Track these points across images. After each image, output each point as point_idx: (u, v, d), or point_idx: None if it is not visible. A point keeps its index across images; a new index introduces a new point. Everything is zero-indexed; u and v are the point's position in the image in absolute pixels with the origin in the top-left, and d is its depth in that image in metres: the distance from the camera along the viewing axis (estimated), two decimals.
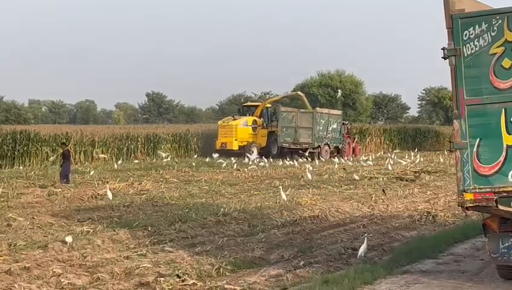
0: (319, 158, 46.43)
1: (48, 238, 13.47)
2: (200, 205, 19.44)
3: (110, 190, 22.01)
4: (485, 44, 9.42)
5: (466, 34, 9.48)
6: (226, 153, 46.33)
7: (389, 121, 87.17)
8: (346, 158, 46.82)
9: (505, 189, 9.27)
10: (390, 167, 34.63)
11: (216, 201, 20.51)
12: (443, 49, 9.58)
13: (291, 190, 22.96)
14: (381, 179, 28.09)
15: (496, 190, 9.32)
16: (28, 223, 15.94)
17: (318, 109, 52.72)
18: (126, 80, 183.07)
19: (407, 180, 27.65)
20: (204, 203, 20.02)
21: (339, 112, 56.04)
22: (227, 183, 27.36)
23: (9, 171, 35.50)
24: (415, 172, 30.80)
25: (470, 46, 9.48)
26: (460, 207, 9.91)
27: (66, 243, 12.70)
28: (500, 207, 9.31)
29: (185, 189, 24.75)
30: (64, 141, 36.94)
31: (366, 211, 18.48)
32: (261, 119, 50.59)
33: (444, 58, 9.57)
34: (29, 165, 39.00)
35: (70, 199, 21.48)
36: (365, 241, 12.15)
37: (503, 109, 9.31)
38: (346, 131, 53.29)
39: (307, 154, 46.35)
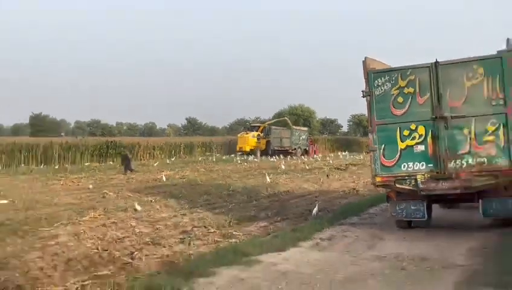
0: (296, 155, 48.05)
1: (127, 205, 13.42)
2: (218, 184, 19.40)
3: (164, 175, 22.05)
4: (387, 88, 9.49)
5: (376, 82, 9.54)
6: (242, 153, 47.06)
7: (330, 135, 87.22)
8: (310, 156, 47.45)
9: (400, 174, 9.35)
10: (331, 161, 34.72)
11: (228, 182, 20.48)
12: (362, 91, 9.63)
13: (272, 175, 22.92)
14: (326, 169, 28.08)
15: (394, 175, 9.39)
16: (115, 196, 15.91)
17: (294, 126, 54.98)
18: (175, 108, 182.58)
19: (341, 170, 27.62)
20: (221, 183, 19.97)
21: (306, 129, 58.90)
22: (234, 171, 27.32)
23: (104, 165, 35.48)
24: (346, 165, 30.78)
25: (378, 89, 9.54)
26: (373, 185, 9.98)
27: (136, 209, 12.63)
28: (397, 185, 9.39)
29: (209, 175, 24.75)
30: (124, 152, 37.18)
31: (316, 187, 18.44)
32: (262, 133, 50.61)
33: (363, 96, 9.62)
34: (115, 161, 39.08)
35: (141, 181, 21.50)
36: (316, 206, 12.15)
37: (398, 127, 9.40)
38: (310, 140, 54.52)
39: (289, 157, 46.19)
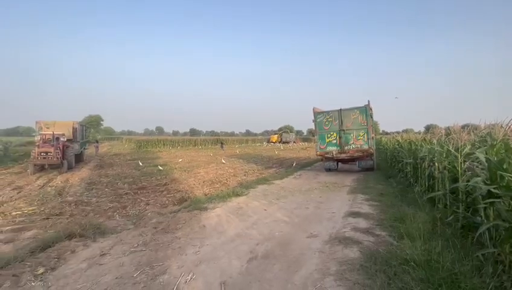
0: (289, 143, 45.08)
1: (226, 161, 13.13)
2: (257, 154, 18.67)
3: (237, 151, 21.02)
4: (323, 121, 9.22)
5: (318, 117, 9.35)
6: (272, 142, 44.92)
7: (299, 135, 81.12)
8: (297, 144, 44.69)
9: (326, 152, 9.07)
10: (299, 146, 32.86)
11: (260, 153, 19.75)
12: (312, 120, 9.37)
13: (278, 151, 22.21)
14: (299, 148, 26.53)
15: (324, 152, 9.13)
16: (220, 158, 15.37)
17: (290, 132, 52.66)
18: (209, 119, 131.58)
19: (304, 149, 25.34)
20: (258, 153, 19.23)
21: (294, 133, 55.50)
22: (263, 149, 26.24)
23: (218, 148, 32.63)
24: (306, 147, 28.20)
25: (319, 119, 9.28)
26: (316, 155, 9.64)
27: (223, 162, 11.55)
28: (326, 156, 9.15)
29: (254, 151, 23.26)
30: (222, 141, 31.10)
31: (295, 157, 17.46)
32: (279, 135, 48.46)
33: (313, 121, 9.40)
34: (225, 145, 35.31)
35: (229, 153, 19.98)
36: (295, 163, 11.85)
37: (326, 134, 9.15)
38: (296, 138, 51.71)
39: (290, 144, 44.34)
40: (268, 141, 48.80)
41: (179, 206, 5.20)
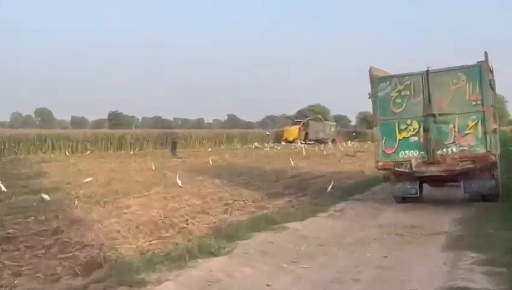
0: (326, 143, 48.14)
1: (183, 181, 13.55)
2: (253, 166, 19.51)
3: (211, 160, 22.22)
4: (388, 91, 9.41)
5: (380, 86, 9.47)
6: (286, 142, 48.23)
7: (342, 128, 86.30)
8: (338, 145, 46.85)
9: (398, 160, 9.26)
10: (342, 149, 34.39)
11: (260, 164, 20.56)
12: (368, 93, 9.57)
13: (295, 159, 22.88)
14: (339, 154, 27.86)
15: (394, 161, 9.32)
16: (172, 174, 16.11)
17: (326, 121, 57.33)
18: (218, 104, 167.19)
19: (351, 156, 27.33)
20: (254, 165, 20.09)
21: (334, 123, 61.29)
22: (265, 156, 27.36)
23: (164, 151, 35.80)
24: (355, 151, 30.45)
25: (381, 92, 9.47)
26: (376, 169, 9.92)
27: (180, 186, 12.48)
28: (396, 169, 9.36)
29: (245, 158, 24.87)
30: (174, 139, 35.52)
31: (331, 170, 18.33)
32: (302, 127, 52.10)
33: (369, 98, 9.57)
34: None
35: (193, 164, 21.72)
36: (331, 184, 12.12)
37: (396, 122, 9.33)
38: (337, 132, 56.13)
39: (322, 145, 46.63)
40: (280, 140, 51.14)
41: (85, 278, 5.03)
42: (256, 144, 47.51)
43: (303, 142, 47.98)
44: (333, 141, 52.64)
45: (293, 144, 46.28)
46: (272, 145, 45.04)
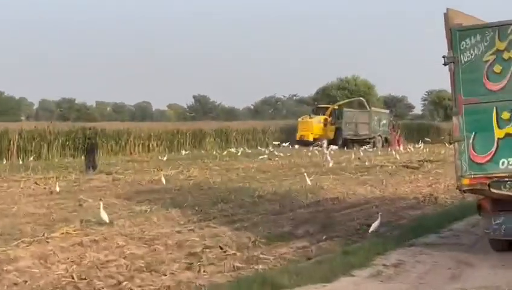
0: (374, 146, 50.28)
1: (113, 216, 13.52)
2: (238, 188, 19.52)
3: (163, 176, 22.20)
4: (479, 53, 9.37)
5: (463, 44, 9.42)
6: (304, 143, 50.59)
7: (397, 119, 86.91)
8: (392, 148, 47.77)
9: (497, 175, 9.24)
10: (398, 157, 34.51)
11: (252, 185, 20.57)
12: (443, 57, 9.53)
13: (314, 176, 22.87)
14: (390, 167, 27.94)
15: (489, 176, 9.29)
16: (96, 203, 16.08)
17: (373, 108, 58.26)
18: (177, 83, 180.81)
19: (412, 168, 27.45)
20: (242, 186, 20.10)
21: (387, 111, 62.08)
22: (260, 170, 27.40)
23: (80, 160, 35.75)
24: (419, 161, 30.61)
25: (466, 54, 9.42)
26: (458, 190, 9.90)
27: (108, 222, 12.61)
28: (493, 190, 9.29)
29: (225, 175, 24.89)
30: (91, 140, 32.70)
31: (378, 193, 18.35)
32: (330, 118, 54.23)
33: (444, 64, 9.53)
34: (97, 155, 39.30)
35: (131, 184, 21.76)
36: (379, 219, 12.08)
37: (494, 108, 9.29)
38: (392, 126, 56.12)
39: (367, 147, 48.73)
40: (290, 139, 53.27)
41: None
42: (245, 148, 47.52)
43: (328, 144, 48.75)
44: (385, 141, 53.90)
45: (314, 146, 47.24)
46: (273, 149, 45.03)
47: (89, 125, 46.67)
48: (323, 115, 55.08)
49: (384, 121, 55.82)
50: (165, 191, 19.01)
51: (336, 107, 57.13)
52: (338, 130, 53.57)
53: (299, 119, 56.56)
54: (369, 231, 11.77)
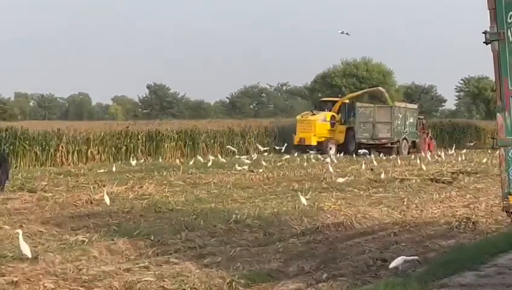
0: (397, 153, 50.56)
1: (38, 248, 13.44)
2: (209, 210, 19.48)
3: (107, 194, 22.04)
4: None
5: (511, 16, 9.47)
6: (304, 148, 51.08)
7: (423, 115, 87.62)
8: (423, 153, 49.51)
9: None
10: (424, 167, 34.62)
11: (227, 206, 20.59)
12: (485, 33, 9.56)
13: (311, 193, 22.94)
14: (414, 180, 28.04)
15: None
16: (15, 232, 15.92)
17: (397, 103, 58.20)
18: (124, 70, 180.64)
19: (443, 182, 27.59)
20: (214, 208, 20.09)
21: (415, 106, 61.75)
22: (239, 186, 27.43)
23: None
24: (453, 173, 30.75)
25: None
26: (505, 212, 9.94)
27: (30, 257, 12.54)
28: None
29: (191, 193, 24.82)
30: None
31: (397, 217, 18.45)
32: (339, 115, 54.98)
33: (486, 43, 9.55)
34: (16, 166, 38.90)
35: (63, 205, 21.53)
36: (402, 261, 12.10)
37: None
38: (421, 126, 57.56)
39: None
40: (288, 142, 53.58)
41: None
42: (218, 155, 47.42)
43: (336, 149, 50.16)
44: (412, 145, 54.86)
45: (316, 151, 48.53)
46: (255, 156, 45.09)
47: (4, 125, 46.25)
48: (330, 111, 55.55)
49: (411, 120, 56.30)
50: (109, 215, 18.96)
51: (347, 100, 57.74)
52: (349, 131, 54.32)
53: (298, 117, 56.99)
54: (390, 266, 11.85)
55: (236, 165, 37.39)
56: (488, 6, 9.54)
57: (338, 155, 46.96)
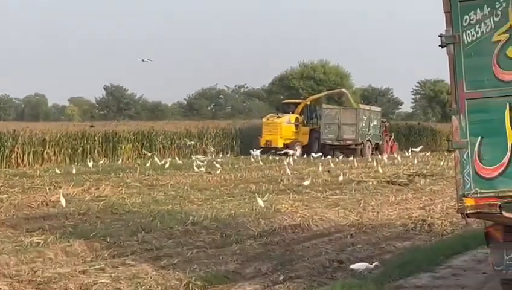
0: (362, 155, 51.78)
1: None
2: (166, 212, 19.42)
3: (63, 195, 21.89)
4: (488, 30, 9.44)
5: (466, 20, 9.50)
6: (270, 149, 51.37)
7: (386, 118, 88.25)
8: (384, 155, 50.21)
9: (510, 193, 9.28)
10: (380, 170, 34.80)
11: (184, 208, 20.55)
12: (440, 36, 9.60)
13: (269, 195, 22.96)
14: (371, 182, 28.17)
15: (500, 195, 9.32)
16: None
17: (361, 105, 59.95)
18: (81, 72, 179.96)
19: (399, 185, 27.75)
20: (171, 210, 20.02)
21: (379, 109, 63.12)
22: (196, 188, 27.42)
23: None
24: (409, 175, 30.89)
25: (471, 32, 9.50)
26: (459, 214, 9.94)
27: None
28: (505, 214, 9.32)
29: (148, 194, 24.75)
30: None
31: (353, 219, 18.54)
32: (302, 116, 55.60)
33: (442, 46, 9.59)
34: None
35: (18, 206, 21.35)
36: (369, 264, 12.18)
37: (507, 104, 9.30)
38: (384, 128, 58.64)
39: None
40: (265, 145, 54.06)
41: None
42: (175, 157, 47.28)
43: (293, 151, 49.87)
44: (375, 147, 55.72)
45: (283, 154, 48.38)
46: (211, 158, 45.11)
47: None
48: (293, 113, 56.12)
49: (375, 122, 57.22)
50: (65, 217, 18.84)
51: (308, 102, 58.37)
52: (313, 133, 54.95)
53: (264, 119, 57.40)
54: (350, 266, 11.90)
55: (194, 164, 37.54)
56: (443, 9, 9.59)
57: (296, 157, 47.09)
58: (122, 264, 12.53)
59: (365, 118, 55.65)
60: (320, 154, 48.88)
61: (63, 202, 21.02)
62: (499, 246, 9.86)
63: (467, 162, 9.53)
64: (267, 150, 51.31)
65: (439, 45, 9.72)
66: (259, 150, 49.44)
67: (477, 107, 9.56)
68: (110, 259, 13.00)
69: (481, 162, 9.52)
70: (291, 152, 48.34)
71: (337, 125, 53.95)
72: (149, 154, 48.67)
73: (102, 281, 11.18)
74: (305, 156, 50.42)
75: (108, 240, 14.90)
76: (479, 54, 9.56)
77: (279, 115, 56.47)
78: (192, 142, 49.89)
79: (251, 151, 49.18)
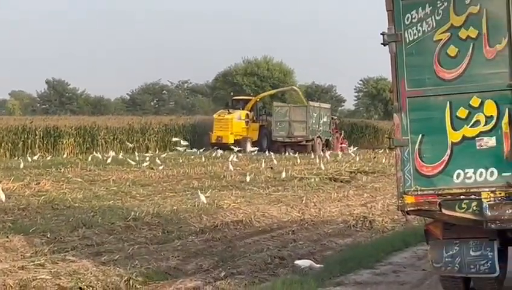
0: (312, 151, 52.07)
1: None
2: (107, 208, 19.33)
3: (2, 190, 21.66)
4: (429, 29, 9.50)
5: (408, 18, 9.55)
6: (221, 146, 51.02)
7: (336, 115, 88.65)
8: (334, 152, 51.59)
9: (450, 191, 9.38)
10: (323, 166, 34.89)
11: (126, 204, 20.48)
12: (382, 34, 9.62)
13: (211, 191, 22.96)
14: (313, 179, 28.23)
15: (440, 192, 9.41)
16: None
17: (311, 102, 60.39)
18: (22, 65, 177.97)
19: (341, 181, 27.85)
20: (112, 206, 19.91)
21: (328, 106, 64.11)
22: (138, 183, 27.33)
23: None
24: (351, 172, 31.00)
25: (413, 31, 9.55)
26: (400, 211, 9.98)
27: None
28: (444, 211, 9.38)
29: (90, 190, 24.55)
30: None
31: (295, 215, 18.58)
32: (252, 113, 56.21)
33: (384, 44, 9.63)
34: None
35: None
36: (314, 263, 12.19)
37: (447, 102, 9.40)
38: (334, 125, 59.35)
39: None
40: (215, 142, 54.38)
41: None
42: (118, 152, 47.03)
43: (252, 147, 50.97)
44: (326, 143, 56.21)
45: (234, 150, 47.94)
46: (154, 155, 44.92)
47: None
48: (243, 109, 56.62)
49: (325, 119, 57.91)
50: (4, 212, 18.61)
51: (258, 99, 58.89)
52: (262, 129, 55.52)
53: (215, 115, 57.57)
54: (295, 262, 11.92)
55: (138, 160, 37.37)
56: (386, 7, 9.63)
57: (238, 154, 47.14)
58: (63, 260, 12.39)
59: (315, 114, 56.36)
60: (255, 148, 49.84)
61: (2, 196, 20.77)
62: (438, 243, 9.91)
63: (408, 159, 9.58)
64: (218, 145, 51.30)
65: (381, 43, 9.76)
66: (254, 147, 51.07)
67: (419, 106, 9.62)
68: (50, 255, 12.84)
69: (422, 160, 9.58)
70: (247, 146, 48.83)
71: (287, 122, 54.48)
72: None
73: (42, 277, 11.06)
74: (256, 152, 50.10)
75: (48, 235, 14.76)
76: (421, 53, 9.63)
77: (230, 111, 56.61)
78: (186, 143, 49.67)
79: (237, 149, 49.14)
